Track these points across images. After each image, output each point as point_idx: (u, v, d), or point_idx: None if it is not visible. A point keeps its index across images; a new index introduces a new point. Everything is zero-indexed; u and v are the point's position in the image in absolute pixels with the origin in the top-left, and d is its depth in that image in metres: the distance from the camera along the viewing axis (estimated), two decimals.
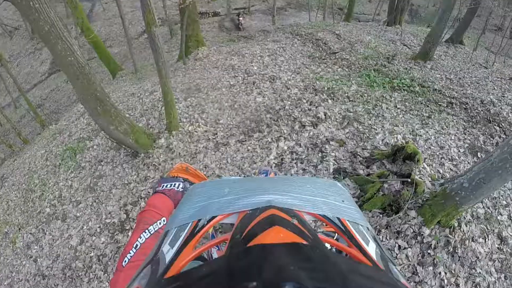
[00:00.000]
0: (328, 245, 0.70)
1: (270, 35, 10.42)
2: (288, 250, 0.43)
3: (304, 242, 0.47)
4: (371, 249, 0.59)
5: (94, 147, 6.52)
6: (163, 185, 1.10)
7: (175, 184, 1.11)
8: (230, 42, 10.91)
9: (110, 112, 4.69)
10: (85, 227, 5.06)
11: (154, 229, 0.90)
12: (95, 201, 5.40)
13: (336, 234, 0.75)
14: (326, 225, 0.69)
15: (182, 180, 1.15)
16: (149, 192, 4.99)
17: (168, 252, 0.59)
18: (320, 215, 0.68)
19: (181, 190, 1.10)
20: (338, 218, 0.68)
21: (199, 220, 0.67)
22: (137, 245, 0.84)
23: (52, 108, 14.22)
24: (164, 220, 0.94)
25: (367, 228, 0.69)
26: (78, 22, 9.87)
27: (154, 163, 5.36)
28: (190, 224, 0.66)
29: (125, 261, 0.80)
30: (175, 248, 0.60)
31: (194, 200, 0.76)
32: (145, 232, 0.88)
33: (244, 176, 4.60)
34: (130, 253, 0.82)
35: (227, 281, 0.37)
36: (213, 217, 0.67)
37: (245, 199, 0.70)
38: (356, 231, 0.65)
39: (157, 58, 4.71)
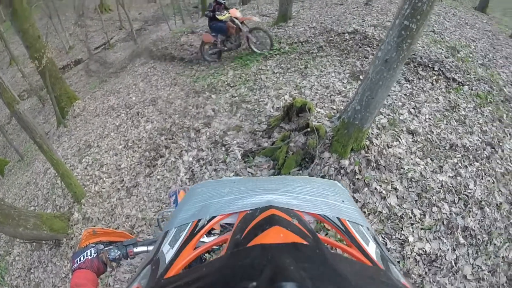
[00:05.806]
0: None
1: (137, 60, 9.95)
2: (288, 250, 0.43)
3: (304, 242, 0.47)
4: (371, 249, 0.60)
5: (16, 259, 5.71)
6: (76, 261, 1.08)
7: (86, 253, 1.10)
8: (102, 84, 10.21)
9: (11, 215, 4.38)
10: None
11: None
12: None
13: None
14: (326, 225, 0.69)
15: (93, 245, 1.14)
16: None
17: (168, 252, 0.59)
18: (320, 215, 0.69)
19: (95, 255, 1.09)
20: (338, 218, 0.68)
21: (199, 220, 0.67)
22: None
23: None
24: None
25: (367, 228, 0.69)
26: None
27: (79, 241, 4.75)
28: (190, 224, 0.66)
29: None
30: (175, 248, 0.59)
31: (194, 200, 0.75)
32: None
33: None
34: None
35: (227, 281, 0.37)
36: (213, 217, 0.67)
37: (245, 199, 0.70)
38: (356, 231, 0.65)
39: (32, 135, 4.45)
